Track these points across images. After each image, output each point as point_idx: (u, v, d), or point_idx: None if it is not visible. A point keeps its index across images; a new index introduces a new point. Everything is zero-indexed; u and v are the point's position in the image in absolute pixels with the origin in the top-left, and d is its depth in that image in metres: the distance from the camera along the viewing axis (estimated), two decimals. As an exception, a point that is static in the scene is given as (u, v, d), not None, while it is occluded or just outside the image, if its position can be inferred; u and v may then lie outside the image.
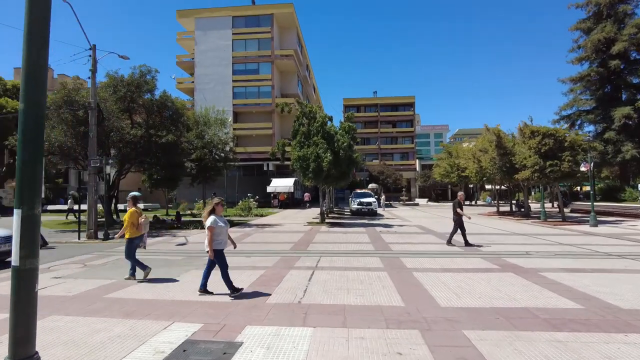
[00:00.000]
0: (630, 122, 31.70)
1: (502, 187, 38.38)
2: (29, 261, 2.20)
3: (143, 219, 8.16)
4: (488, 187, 53.38)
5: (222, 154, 29.23)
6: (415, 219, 25.42)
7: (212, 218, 6.68)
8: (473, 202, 53.78)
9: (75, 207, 19.62)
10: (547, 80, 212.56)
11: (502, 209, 33.64)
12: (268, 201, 40.66)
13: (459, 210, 12.72)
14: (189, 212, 32.09)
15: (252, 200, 30.62)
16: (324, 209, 24.05)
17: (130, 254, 8.05)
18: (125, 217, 7.99)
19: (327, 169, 19.77)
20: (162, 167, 23.28)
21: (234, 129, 42.80)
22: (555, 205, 40.99)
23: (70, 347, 4.51)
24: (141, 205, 41.99)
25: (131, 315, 5.66)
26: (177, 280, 8.05)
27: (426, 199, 62.92)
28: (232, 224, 20.26)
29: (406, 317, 5.54)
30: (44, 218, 29.02)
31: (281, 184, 41.19)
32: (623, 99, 34.07)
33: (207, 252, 6.72)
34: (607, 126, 32.94)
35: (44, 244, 13.88)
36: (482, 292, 6.93)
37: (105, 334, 4.91)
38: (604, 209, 26.76)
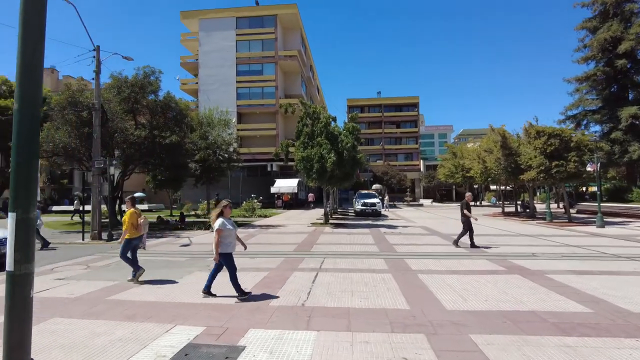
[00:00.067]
0: (637, 122, 31.37)
1: (507, 187, 38.18)
2: (24, 266, 2.13)
3: (142, 220, 8.13)
4: (493, 187, 53.11)
5: (226, 155, 29.22)
6: (420, 220, 25.28)
7: (220, 221, 6.61)
8: (478, 203, 53.50)
9: (81, 208, 19.65)
10: (552, 80, 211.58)
11: (507, 209, 33.40)
12: (272, 202, 40.64)
13: (465, 211, 12.59)
14: (193, 212, 32.11)
15: (255, 201, 30.59)
16: (328, 209, 23.97)
17: (124, 253, 8.03)
18: (125, 218, 7.95)
19: (330, 169, 19.70)
20: (166, 168, 23.30)
21: (238, 130, 42.83)
22: (561, 206, 40.63)
23: (70, 350, 4.45)
24: (145, 206, 42.44)
25: (133, 318, 5.61)
26: (180, 282, 7.99)
27: (430, 200, 62.66)
28: (236, 224, 20.27)
29: (411, 320, 5.45)
30: (49, 219, 29.14)
31: (285, 185, 41.16)
32: (630, 98, 33.74)
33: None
34: (614, 126, 32.64)
35: (46, 245, 13.91)
36: (488, 294, 6.83)
37: (107, 337, 4.86)
38: (610, 210, 26.50)
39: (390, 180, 56.02)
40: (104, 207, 18.93)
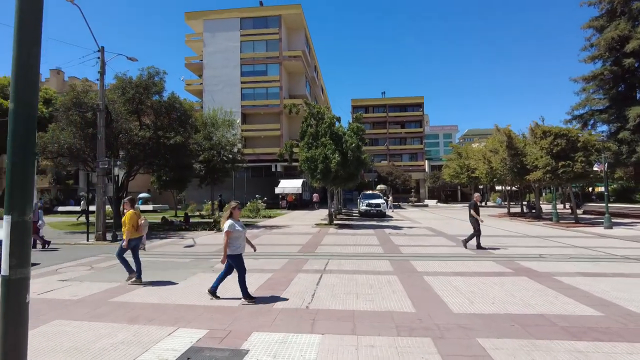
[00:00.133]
0: (645, 122, 31.03)
1: (513, 188, 37.90)
2: (19, 271, 2.07)
3: (142, 221, 8.11)
4: (498, 188, 52.79)
5: (230, 156, 29.22)
6: (425, 221, 25.13)
7: (229, 222, 6.55)
8: (483, 204, 53.17)
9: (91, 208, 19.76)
10: (558, 80, 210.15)
11: (512, 210, 33.15)
12: (276, 202, 40.64)
13: (472, 212, 12.46)
14: (197, 213, 32.15)
15: (260, 201, 30.58)
16: (332, 210, 23.89)
17: (121, 254, 8.02)
18: (124, 219, 7.93)
19: (335, 170, 19.62)
20: (171, 168, 23.32)
21: (243, 131, 42.85)
22: (567, 206, 40.32)
23: (72, 354, 4.40)
24: (150, 207, 42.56)
25: (136, 321, 5.55)
26: (184, 284, 7.94)
27: (435, 200, 62.38)
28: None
29: (418, 323, 5.36)
30: (54, 219, 29.26)
31: (289, 185, 41.14)
32: (638, 97, 33.34)
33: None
34: (621, 126, 32.30)
35: (46, 244, 13.94)
36: (495, 297, 6.72)
37: (109, 340, 4.80)
38: (618, 211, 26.21)
39: (394, 180, 55.80)
40: (108, 208, 18.97)
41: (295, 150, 23.50)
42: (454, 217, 28.20)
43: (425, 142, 77.12)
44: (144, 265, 8.39)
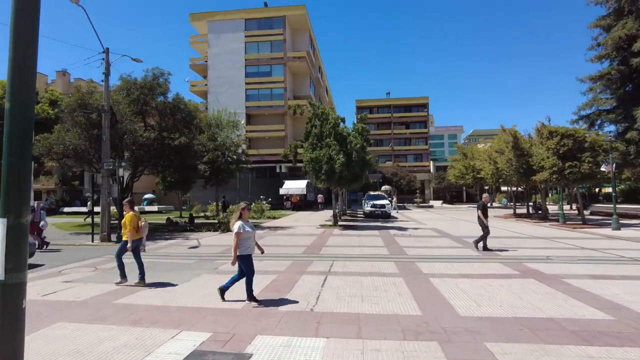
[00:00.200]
0: (653, 122, 30.64)
1: (519, 188, 37.60)
2: (15, 275, 2.01)
3: (142, 223, 8.10)
4: (504, 188, 52.45)
5: (235, 156, 29.22)
6: (430, 222, 24.98)
7: (239, 223, 6.48)
8: (489, 204, 52.76)
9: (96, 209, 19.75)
10: (565, 80, 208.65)
11: (518, 211, 32.90)
12: (281, 203, 40.60)
13: (479, 213, 12.33)
14: (202, 214, 32.18)
15: (264, 202, 30.55)
16: (337, 211, 23.80)
17: (120, 255, 8.00)
18: (125, 222, 7.91)
19: (339, 170, 19.53)
20: (176, 169, 23.34)
21: (247, 131, 42.90)
22: (574, 207, 39.98)
23: (74, 357, 4.35)
24: (155, 207, 42.66)
25: (139, 323, 5.50)
26: (188, 285, 7.88)
27: (440, 201, 62.11)
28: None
29: (424, 327, 5.27)
30: (60, 220, 29.40)
31: (294, 186, 41.09)
32: (645, 97, 32.97)
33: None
34: (629, 126, 31.87)
35: (44, 245, 13.94)
36: (503, 300, 6.61)
37: (111, 343, 4.75)
38: (626, 212, 25.93)
39: (399, 181, 55.62)
40: (113, 209, 18.98)
41: (300, 151, 23.45)
42: (459, 218, 28.03)
43: (430, 142, 76.86)
44: (148, 266, 8.36)
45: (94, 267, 10.16)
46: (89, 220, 27.30)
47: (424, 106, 72.66)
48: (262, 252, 7.02)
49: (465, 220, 25.72)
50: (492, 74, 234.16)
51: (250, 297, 6.53)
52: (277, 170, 44.90)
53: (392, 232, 18.64)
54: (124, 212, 8.19)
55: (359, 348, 4.53)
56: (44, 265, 10.76)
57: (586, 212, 27.18)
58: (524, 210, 32.72)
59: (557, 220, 23.05)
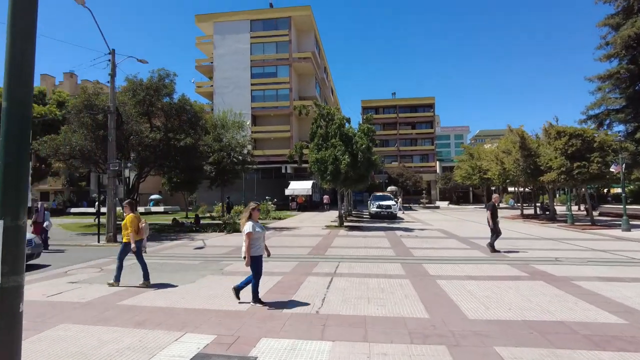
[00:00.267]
0: (663, 121, 30.30)
1: (526, 189, 37.27)
2: (13, 278, 1.95)
3: (143, 224, 8.09)
4: (511, 189, 52.03)
5: (240, 157, 29.22)
6: (437, 223, 24.81)
7: (250, 224, 6.43)
8: (487, 206, 52.37)
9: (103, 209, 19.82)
10: (572, 80, 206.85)
11: (525, 212, 32.60)
12: (286, 204, 40.57)
13: (488, 215, 12.20)
14: (208, 214, 32.23)
15: (270, 203, 30.52)
16: (342, 212, 23.71)
17: (121, 258, 8.00)
18: (126, 223, 7.90)
19: (345, 171, 19.44)
20: (181, 170, 23.37)
21: (253, 132, 42.92)
22: (582, 208, 39.56)
23: (77, 359, 4.31)
24: (161, 208, 42.83)
25: (143, 325, 5.45)
26: (193, 286, 7.84)
27: (447, 202, 61.74)
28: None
29: (431, 330, 5.17)
30: (67, 220, 29.57)
31: (299, 187, 41.06)
32: (655, 97, 32.55)
33: (244, 258, 6.41)
34: (639, 125, 31.59)
35: (45, 247, 13.94)
36: (511, 302, 6.49)
37: (114, 345, 4.70)
38: (635, 212, 25.57)
39: (405, 182, 55.40)
40: (119, 210, 19.03)
41: (305, 151, 23.38)
42: (466, 219, 27.82)
43: (437, 143, 76.53)
44: (153, 267, 8.34)
45: (99, 268, 10.16)
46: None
47: (430, 106, 72.34)
48: (269, 254, 6.95)
49: (472, 221, 25.52)
50: (498, 74, 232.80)
51: (256, 298, 6.47)
52: (283, 170, 44.88)
53: (398, 233, 18.51)
54: (125, 214, 8.19)
55: (365, 352, 4.44)
56: (50, 265, 10.78)
57: (595, 213, 26.87)
58: (531, 211, 32.42)
59: (565, 221, 22.79)
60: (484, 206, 48.80)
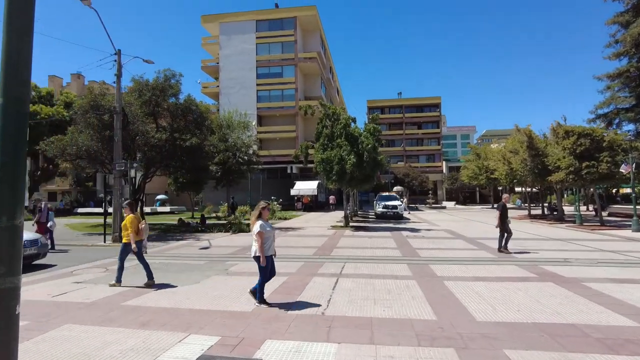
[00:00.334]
0: (673, 120, 29.88)
1: (533, 189, 36.92)
2: (9, 279, 1.90)
3: (143, 225, 8.08)
4: (518, 189, 51.62)
5: (246, 157, 29.23)
6: (443, 223, 24.63)
7: (260, 223, 6.38)
8: (497, 206, 51.96)
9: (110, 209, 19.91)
10: (580, 79, 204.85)
11: (533, 212, 32.29)
12: (292, 204, 40.53)
13: (498, 215, 12.07)
14: (214, 215, 32.27)
15: (275, 203, 30.49)
16: (348, 212, 23.61)
17: (123, 259, 7.98)
18: (125, 223, 7.88)
19: (350, 171, 19.34)
20: (187, 170, 23.42)
21: (258, 132, 42.96)
22: (591, 208, 39.13)
23: (80, 361, 4.27)
24: (167, 208, 42.96)
25: (147, 326, 5.41)
26: (197, 287, 7.80)
27: (453, 202, 61.41)
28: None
29: (439, 332, 5.07)
30: (74, 220, 29.74)
31: (305, 187, 41.01)
32: (665, 95, 32.10)
33: (254, 257, 6.38)
34: (649, 124, 31.24)
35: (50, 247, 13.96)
36: (520, 304, 6.37)
37: (118, 346, 4.66)
38: (645, 213, 25.18)
39: (411, 182, 55.11)
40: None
41: (311, 151, 23.32)
42: (472, 219, 27.62)
43: (443, 143, 76.13)
44: (158, 267, 8.32)
45: (104, 268, 10.15)
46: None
47: (436, 106, 71.96)
48: (275, 255, 6.90)
49: (479, 222, 25.32)
50: (505, 73, 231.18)
51: (261, 299, 6.42)
52: (288, 171, 44.85)
53: (405, 233, 18.38)
54: (124, 215, 8.18)
55: (371, 355, 4.36)
56: (56, 265, 10.81)
57: (604, 214, 26.55)
58: (538, 212, 32.10)
59: (574, 222, 22.53)
60: (490, 206, 48.52)
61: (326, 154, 20.06)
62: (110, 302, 6.75)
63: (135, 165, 17.74)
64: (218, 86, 48.14)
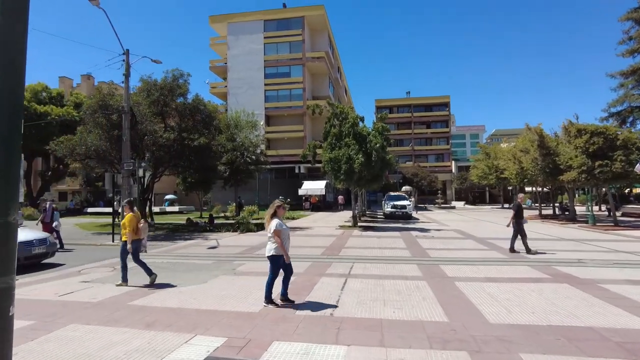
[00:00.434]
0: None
1: (544, 189, 36.42)
2: (2, 279, 1.80)
3: (142, 224, 8.01)
4: (528, 189, 51.00)
5: (254, 157, 29.20)
6: (453, 223, 24.35)
7: (276, 221, 6.31)
8: (512, 205, 51.42)
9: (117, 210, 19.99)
10: (592, 77, 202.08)
11: (544, 212, 31.82)
12: (300, 204, 40.44)
13: (512, 215, 11.85)
14: (222, 214, 32.31)
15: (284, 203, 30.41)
16: (356, 212, 23.45)
17: (124, 258, 7.91)
18: (124, 222, 7.82)
19: (358, 170, 19.17)
20: (195, 170, 23.44)
21: (266, 132, 42.95)
22: (603, 208, 38.51)
23: (84, 362, 4.20)
24: (176, 208, 43.12)
25: (152, 326, 5.33)
26: (205, 287, 7.72)
27: (463, 202, 60.85)
28: (264, 227, 20.08)
29: (451, 335, 4.92)
30: (83, 220, 29.94)
31: (313, 187, 40.89)
32: (680, 93, 31.51)
33: (268, 257, 6.33)
34: (664, 123, 30.69)
35: (61, 246, 13.95)
36: (535, 306, 6.18)
37: (123, 347, 4.58)
38: (660, 213, 24.72)
39: (420, 181, 54.69)
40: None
41: (319, 151, 23.21)
42: (482, 219, 27.28)
43: (452, 142, 75.44)
44: (166, 267, 8.26)
45: (112, 267, 10.12)
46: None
47: (445, 105, 71.34)
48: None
49: (489, 222, 25.00)
50: (514, 71, 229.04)
51: (269, 299, 6.31)
52: (296, 170, 44.77)
53: (414, 233, 18.18)
54: (124, 213, 8.12)
55: (382, 357, 4.22)
56: (64, 264, 10.82)
57: (617, 214, 26.07)
58: (549, 211, 31.62)
59: (586, 222, 22.12)
60: (500, 206, 47.99)
61: (334, 153, 19.92)
62: (116, 301, 6.69)
63: (143, 164, 17.77)
64: (226, 86, 48.24)
